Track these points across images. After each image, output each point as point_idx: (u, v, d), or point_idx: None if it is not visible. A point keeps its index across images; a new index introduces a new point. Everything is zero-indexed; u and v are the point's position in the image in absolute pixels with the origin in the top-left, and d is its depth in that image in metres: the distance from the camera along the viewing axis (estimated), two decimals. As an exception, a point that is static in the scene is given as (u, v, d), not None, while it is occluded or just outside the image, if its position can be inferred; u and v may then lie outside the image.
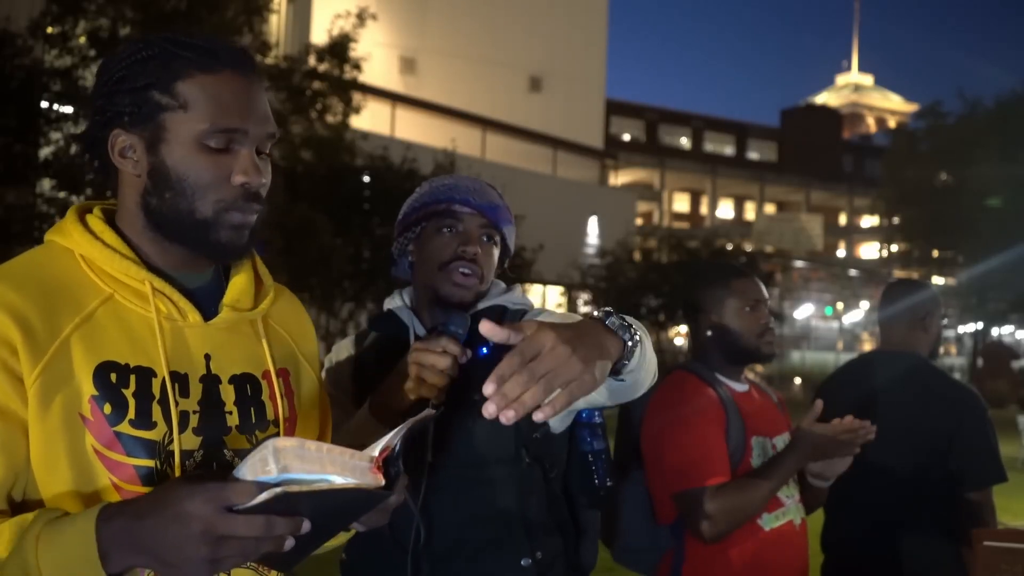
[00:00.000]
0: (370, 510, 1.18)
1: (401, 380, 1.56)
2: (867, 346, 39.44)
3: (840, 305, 44.05)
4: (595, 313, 1.25)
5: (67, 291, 1.18)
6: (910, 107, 78.14)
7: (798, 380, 31.33)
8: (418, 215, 1.83)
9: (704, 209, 53.94)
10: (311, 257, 14.05)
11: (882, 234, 44.30)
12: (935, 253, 30.60)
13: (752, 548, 2.22)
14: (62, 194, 11.34)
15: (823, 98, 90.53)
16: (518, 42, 34.84)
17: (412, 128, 27.13)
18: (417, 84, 33.02)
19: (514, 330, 1.09)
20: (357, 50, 15.74)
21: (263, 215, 1.26)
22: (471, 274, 1.77)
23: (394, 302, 1.91)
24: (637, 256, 25.62)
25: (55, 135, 11.29)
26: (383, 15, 23.68)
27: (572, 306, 27.92)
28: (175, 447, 1.18)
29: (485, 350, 1.63)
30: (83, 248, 1.22)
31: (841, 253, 55.78)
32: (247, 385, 1.29)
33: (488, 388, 1.05)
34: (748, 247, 31.63)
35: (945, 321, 2.85)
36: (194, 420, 1.21)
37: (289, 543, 1.01)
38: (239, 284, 1.31)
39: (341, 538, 1.42)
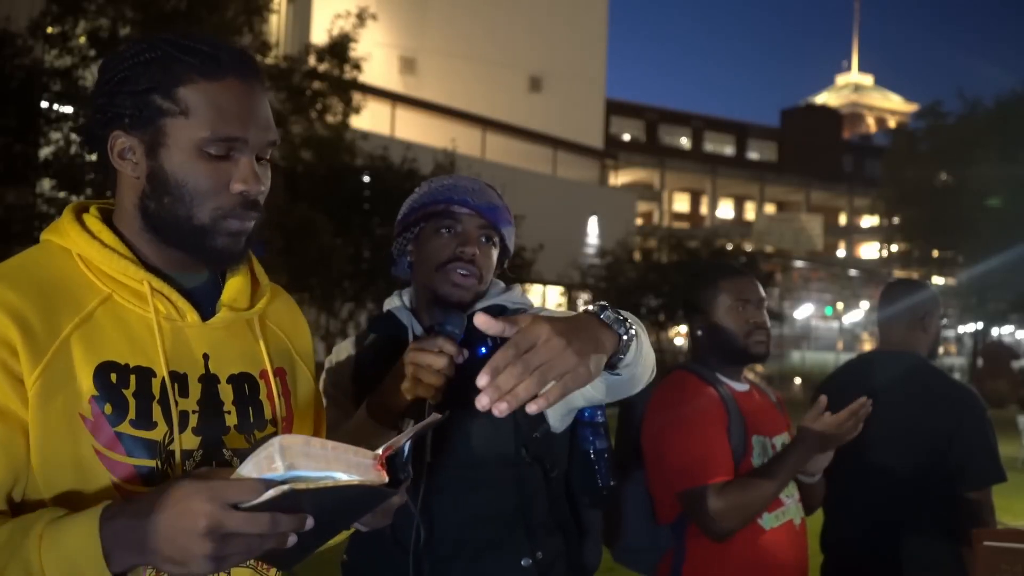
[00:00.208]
0: (373, 508, 1.19)
1: (398, 380, 1.56)
2: (867, 346, 39.44)
3: (840, 305, 44.04)
4: (590, 307, 1.26)
5: (65, 291, 1.18)
6: (910, 107, 78.11)
7: (798, 380, 31.31)
8: (417, 215, 1.83)
9: (704, 209, 53.93)
10: (311, 257, 14.05)
11: (882, 234, 44.30)
12: (935, 253, 30.59)
13: (752, 548, 2.22)
14: (62, 194, 11.34)
15: (823, 98, 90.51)
16: (518, 42, 34.85)
17: (412, 128, 27.13)
18: (417, 84, 33.02)
19: (509, 323, 1.10)
20: (357, 50, 15.74)
21: (261, 221, 1.26)
22: (469, 274, 1.77)
23: (393, 303, 1.91)
24: (637, 256, 25.60)
25: (55, 135, 11.29)
26: (383, 15, 23.68)
27: (572, 306, 27.90)
28: (176, 447, 1.18)
29: (484, 350, 1.63)
30: (81, 248, 1.22)
31: (841, 253, 55.78)
32: (245, 385, 1.29)
33: (482, 380, 1.06)
34: (748, 247, 31.60)
35: (945, 321, 2.85)
36: (194, 420, 1.21)
37: (292, 540, 1.01)
38: (236, 284, 1.31)
39: (342, 535, 1.42)
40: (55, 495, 1.12)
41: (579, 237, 28.83)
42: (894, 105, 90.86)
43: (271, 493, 0.97)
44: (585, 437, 1.88)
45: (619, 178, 46.05)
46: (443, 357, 1.50)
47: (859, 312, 43.43)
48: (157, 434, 1.17)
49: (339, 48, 15.55)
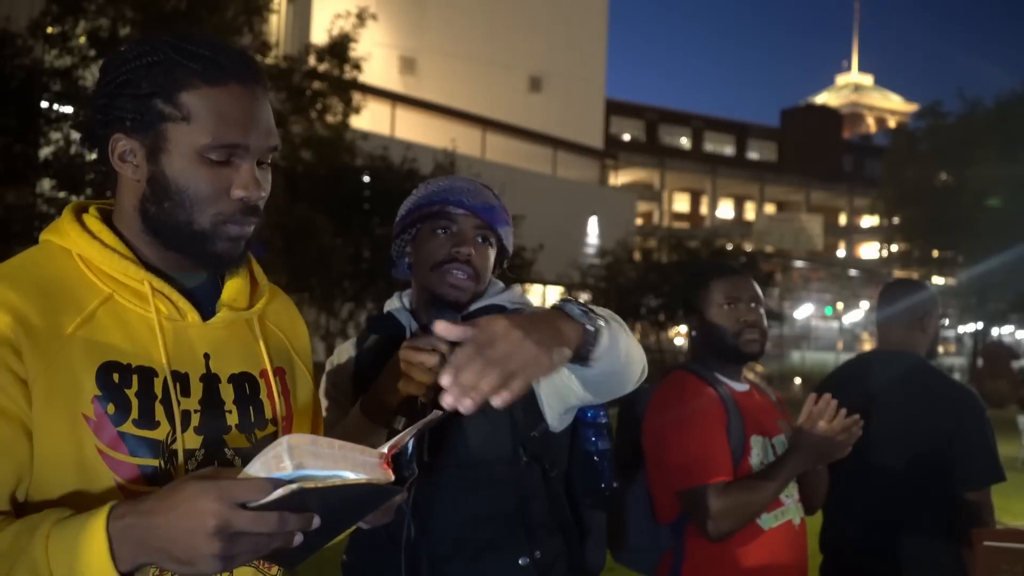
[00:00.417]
0: (378, 507, 1.19)
1: (392, 379, 1.56)
2: (867, 346, 39.42)
3: (840, 305, 44.05)
4: (556, 302, 1.28)
5: (67, 291, 1.18)
6: (910, 107, 78.14)
7: (798, 380, 31.32)
8: (413, 217, 1.84)
9: (704, 209, 53.94)
10: (311, 257, 14.05)
11: (882, 234, 44.30)
12: (935, 253, 30.60)
13: (752, 548, 2.22)
14: (62, 194, 11.34)
15: (823, 98, 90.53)
16: (518, 42, 34.85)
17: (412, 128, 27.14)
18: (417, 84, 33.03)
19: (469, 326, 1.11)
20: (357, 50, 15.73)
21: (260, 225, 1.26)
22: (465, 275, 1.78)
23: (393, 304, 1.92)
24: (637, 256, 25.61)
25: (55, 135, 11.29)
26: (383, 15, 23.68)
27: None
28: (178, 446, 1.18)
29: None
30: (81, 248, 1.22)
31: (841, 253, 55.78)
32: (245, 384, 1.30)
33: (444, 380, 1.07)
34: (748, 247, 31.61)
35: (947, 322, 2.86)
36: (195, 419, 1.21)
37: (298, 539, 1.02)
38: (235, 284, 1.32)
39: (344, 533, 1.43)
40: (59, 495, 1.12)
41: (579, 237, 28.85)
42: (894, 105, 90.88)
43: (280, 492, 0.97)
44: (587, 438, 1.88)
45: (619, 178, 46.06)
46: (435, 355, 1.50)
47: (859, 312, 43.43)
48: (160, 433, 1.17)
49: (339, 48, 15.54)
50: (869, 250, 56.64)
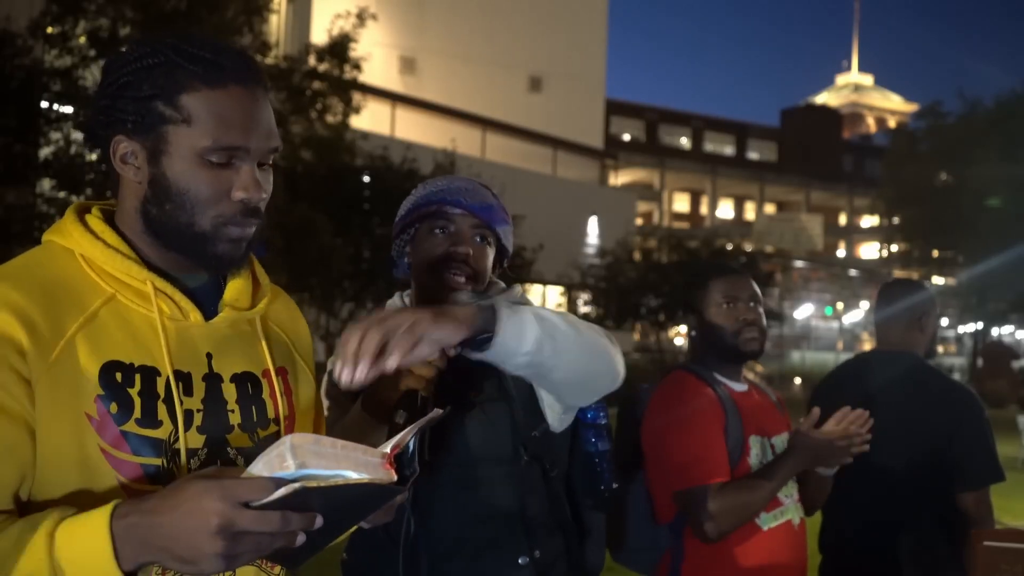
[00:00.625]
0: (381, 506, 1.20)
1: (391, 375, 1.56)
2: (867, 346, 39.40)
3: (840, 305, 44.05)
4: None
5: (69, 291, 1.19)
6: (910, 107, 78.13)
7: (798, 380, 31.30)
8: (412, 217, 1.85)
9: (704, 209, 53.95)
10: (311, 257, 14.04)
11: (882, 234, 44.31)
12: (935, 253, 30.62)
13: (751, 547, 2.22)
14: (62, 194, 11.33)
15: (823, 98, 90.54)
16: (518, 42, 34.85)
17: (412, 128, 27.13)
18: (417, 84, 33.03)
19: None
20: (357, 50, 15.72)
21: (261, 226, 1.27)
22: (463, 274, 1.79)
23: (393, 304, 1.93)
24: (637, 256, 25.57)
25: (55, 135, 11.28)
26: (383, 15, 23.66)
27: (572, 306, 27.92)
28: (181, 445, 1.19)
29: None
30: (84, 248, 1.22)
31: (841, 253, 55.80)
32: (248, 384, 1.30)
33: (336, 365, 1.23)
34: (748, 247, 31.59)
35: (947, 322, 2.87)
36: (198, 418, 1.22)
37: (300, 539, 1.02)
38: (237, 284, 1.32)
39: (345, 533, 1.43)
40: (62, 494, 1.12)
41: (579, 237, 28.84)
42: (894, 105, 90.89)
43: (283, 491, 0.98)
44: (588, 439, 1.88)
45: (619, 178, 46.06)
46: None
47: (859, 312, 43.43)
48: (162, 433, 1.18)
49: (339, 48, 15.52)
50: (869, 250, 56.66)
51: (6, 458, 1.09)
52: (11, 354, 1.10)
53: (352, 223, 15.98)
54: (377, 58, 25.12)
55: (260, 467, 1.02)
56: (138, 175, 1.22)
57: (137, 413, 1.16)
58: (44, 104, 11.19)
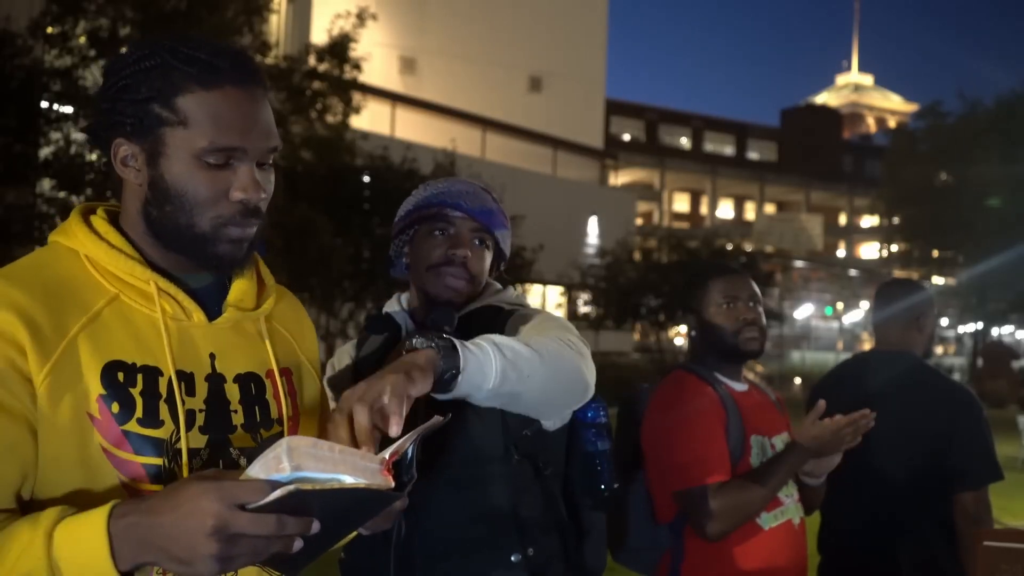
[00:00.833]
0: (378, 512, 1.19)
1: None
2: (867, 346, 39.41)
3: (840, 305, 44.04)
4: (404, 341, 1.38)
5: (73, 291, 1.19)
6: (910, 107, 78.18)
7: (798, 380, 31.29)
8: (411, 218, 1.87)
9: (704, 209, 53.93)
10: (311, 257, 14.04)
11: (882, 234, 44.31)
12: (935, 253, 30.61)
13: (751, 547, 2.23)
14: (62, 194, 11.32)
15: (823, 98, 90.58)
16: (518, 42, 34.84)
17: (412, 128, 27.12)
18: (417, 84, 33.02)
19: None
20: (357, 50, 15.71)
21: (263, 226, 1.27)
22: (460, 277, 1.80)
23: (392, 306, 1.95)
24: (637, 256, 25.56)
25: (55, 135, 11.26)
26: (383, 15, 23.66)
27: (572, 306, 27.91)
28: (183, 445, 1.19)
29: None
30: (88, 249, 1.23)
31: (841, 253, 55.79)
32: (251, 384, 1.31)
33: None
34: (748, 247, 31.57)
35: (947, 322, 2.87)
36: (200, 419, 1.22)
37: (298, 544, 1.02)
38: (241, 285, 1.33)
39: (346, 538, 1.43)
40: (63, 493, 1.13)
41: (579, 237, 28.84)
42: (894, 105, 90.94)
43: (277, 493, 0.98)
44: (588, 439, 1.89)
45: (619, 178, 46.04)
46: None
47: (859, 312, 43.41)
48: (164, 432, 1.18)
49: (339, 48, 15.51)
50: (869, 250, 56.66)
51: (8, 457, 1.10)
52: (13, 353, 1.11)
53: (352, 223, 15.97)
54: (377, 58, 25.12)
55: (257, 469, 1.02)
56: (138, 177, 1.22)
57: (139, 413, 1.17)
58: (44, 104, 11.17)
